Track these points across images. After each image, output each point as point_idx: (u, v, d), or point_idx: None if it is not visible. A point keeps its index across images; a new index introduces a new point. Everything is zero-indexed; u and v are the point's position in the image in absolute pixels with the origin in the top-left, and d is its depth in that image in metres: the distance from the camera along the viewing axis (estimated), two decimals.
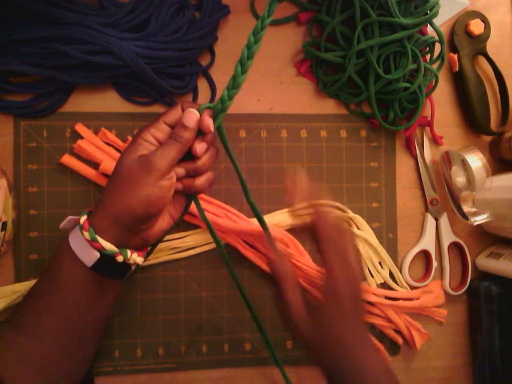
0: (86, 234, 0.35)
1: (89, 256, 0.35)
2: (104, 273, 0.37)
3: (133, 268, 0.39)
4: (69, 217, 0.37)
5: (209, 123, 0.36)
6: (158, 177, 0.35)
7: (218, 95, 0.48)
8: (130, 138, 0.47)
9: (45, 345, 0.36)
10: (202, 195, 0.47)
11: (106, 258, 0.35)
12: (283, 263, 0.38)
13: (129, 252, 0.36)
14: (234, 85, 0.35)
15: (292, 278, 0.37)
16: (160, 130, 0.36)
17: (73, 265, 0.36)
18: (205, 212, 0.46)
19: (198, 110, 0.36)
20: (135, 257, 0.37)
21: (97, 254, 0.35)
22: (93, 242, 0.34)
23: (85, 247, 0.35)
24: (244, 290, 0.45)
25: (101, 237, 0.35)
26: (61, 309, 0.37)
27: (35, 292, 0.38)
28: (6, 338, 0.36)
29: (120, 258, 0.36)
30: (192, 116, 0.36)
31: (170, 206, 0.39)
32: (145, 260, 0.42)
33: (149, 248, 0.42)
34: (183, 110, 0.37)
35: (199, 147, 0.37)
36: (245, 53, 0.35)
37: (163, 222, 0.38)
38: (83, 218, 0.36)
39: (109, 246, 0.35)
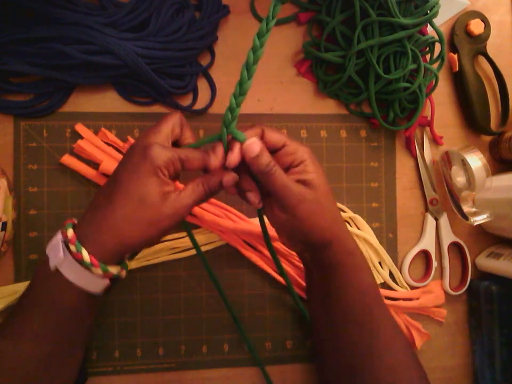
0: (98, 270, 0.32)
1: (98, 286, 0.34)
2: (107, 292, 0.36)
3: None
4: (53, 243, 0.34)
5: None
6: (179, 222, 0.34)
7: (218, 95, 0.48)
8: (130, 138, 0.47)
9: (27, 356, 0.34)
10: None
11: (113, 281, 0.35)
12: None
13: (127, 262, 0.36)
14: (241, 91, 0.34)
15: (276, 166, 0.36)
16: (175, 170, 0.34)
17: (76, 299, 0.34)
18: (205, 212, 0.47)
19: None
20: (130, 264, 0.37)
21: (107, 282, 0.34)
22: (104, 274, 0.33)
23: (92, 279, 0.33)
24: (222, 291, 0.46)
25: (108, 264, 0.33)
26: (51, 334, 0.34)
27: (19, 320, 0.35)
28: None
29: (124, 274, 0.35)
30: (231, 178, 0.35)
31: None
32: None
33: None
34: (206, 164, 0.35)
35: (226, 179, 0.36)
36: (251, 57, 0.33)
37: None
38: (86, 255, 0.32)
39: (117, 270, 0.34)
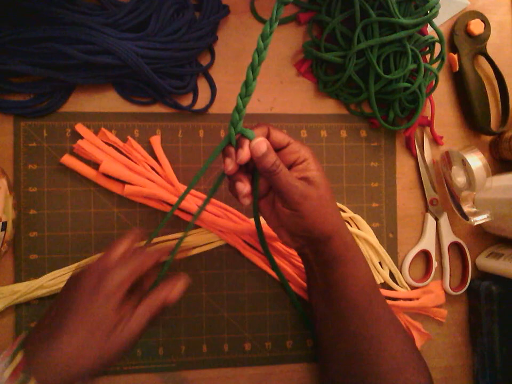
0: None
1: None
2: None
3: None
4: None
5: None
6: (132, 345, 0.34)
7: (218, 95, 0.48)
8: (130, 138, 0.47)
9: None
10: (201, 195, 0.47)
11: None
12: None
13: None
14: (247, 92, 0.35)
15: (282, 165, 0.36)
16: (132, 284, 0.34)
17: None
18: (205, 212, 0.46)
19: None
20: None
21: None
22: None
23: None
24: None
25: None
26: None
27: None
28: None
29: None
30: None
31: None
32: None
33: None
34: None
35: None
36: (256, 59, 0.34)
37: None
38: None
39: None
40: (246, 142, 0.35)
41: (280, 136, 0.36)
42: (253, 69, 0.34)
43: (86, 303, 0.33)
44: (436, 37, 0.47)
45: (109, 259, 0.35)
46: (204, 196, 0.47)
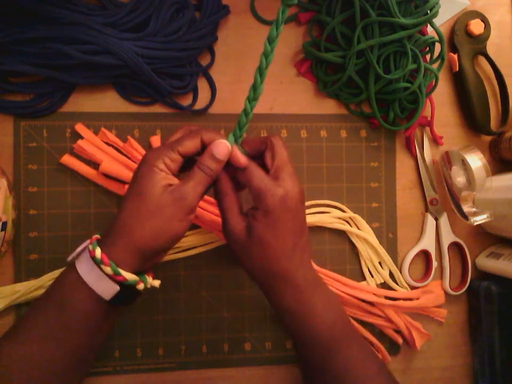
0: (107, 269, 0.32)
1: (108, 289, 0.33)
2: (119, 304, 0.35)
3: (143, 291, 0.37)
4: (78, 249, 0.35)
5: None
6: (188, 212, 0.34)
7: (218, 95, 0.48)
8: (130, 138, 0.47)
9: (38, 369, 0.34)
10: None
11: (126, 289, 0.34)
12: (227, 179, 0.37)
13: (148, 278, 0.36)
14: (255, 96, 0.35)
15: (231, 189, 0.37)
16: (174, 161, 0.34)
17: (86, 299, 0.34)
18: (205, 212, 0.47)
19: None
20: (152, 281, 0.36)
21: (117, 287, 0.33)
22: (115, 275, 0.33)
23: (103, 280, 0.33)
24: None
25: (121, 268, 0.33)
26: (65, 342, 0.34)
27: (34, 325, 0.35)
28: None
29: (141, 286, 0.35)
30: (224, 148, 0.35)
31: None
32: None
33: None
34: (202, 140, 0.35)
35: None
36: (264, 62, 0.34)
37: None
38: (98, 252, 0.33)
39: (131, 276, 0.33)
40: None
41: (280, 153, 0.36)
42: (261, 72, 0.34)
43: (133, 180, 0.34)
44: (436, 37, 0.47)
45: (153, 149, 0.36)
46: (205, 198, 0.47)
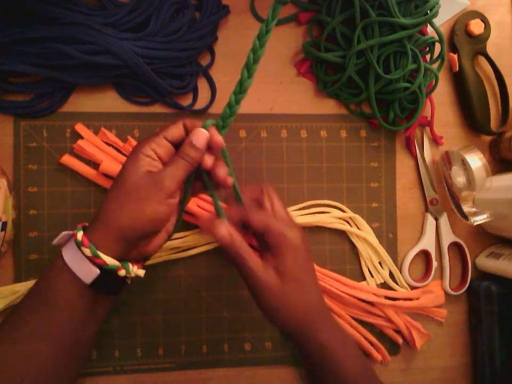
0: (86, 250, 0.33)
1: (88, 273, 0.34)
2: (102, 290, 0.35)
3: (129, 282, 0.38)
4: (63, 232, 0.36)
5: (219, 139, 0.36)
6: (167, 195, 0.35)
7: (218, 95, 0.48)
8: (130, 138, 0.47)
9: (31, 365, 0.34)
10: (201, 195, 0.47)
11: (106, 274, 0.34)
12: (237, 239, 0.38)
13: (130, 265, 0.36)
14: (241, 90, 0.36)
15: (245, 247, 0.38)
16: (161, 146, 0.36)
17: (69, 284, 0.34)
18: (205, 212, 0.46)
19: (204, 126, 0.36)
20: (136, 270, 0.37)
21: (97, 271, 0.33)
22: (94, 258, 0.33)
23: (83, 263, 0.34)
24: None
25: (103, 253, 0.33)
26: (53, 330, 0.34)
27: (22, 313, 0.35)
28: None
29: (122, 272, 0.35)
30: (202, 136, 0.36)
31: None
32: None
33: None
34: (185, 127, 0.37)
35: (209, 160, 0.37)
36: (251, 57, 0.34)
37: (160, 235, 0.38)
38: (80, 234, 0.34)
39: (111, 260, 0.34)
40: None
41: (261, 217, 0.38)
42: (248, 67, 0.35)
43: (131, 174, 0.35)
44: (436, 37, 0.47)
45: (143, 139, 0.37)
46: (205, 196, 0.47)
